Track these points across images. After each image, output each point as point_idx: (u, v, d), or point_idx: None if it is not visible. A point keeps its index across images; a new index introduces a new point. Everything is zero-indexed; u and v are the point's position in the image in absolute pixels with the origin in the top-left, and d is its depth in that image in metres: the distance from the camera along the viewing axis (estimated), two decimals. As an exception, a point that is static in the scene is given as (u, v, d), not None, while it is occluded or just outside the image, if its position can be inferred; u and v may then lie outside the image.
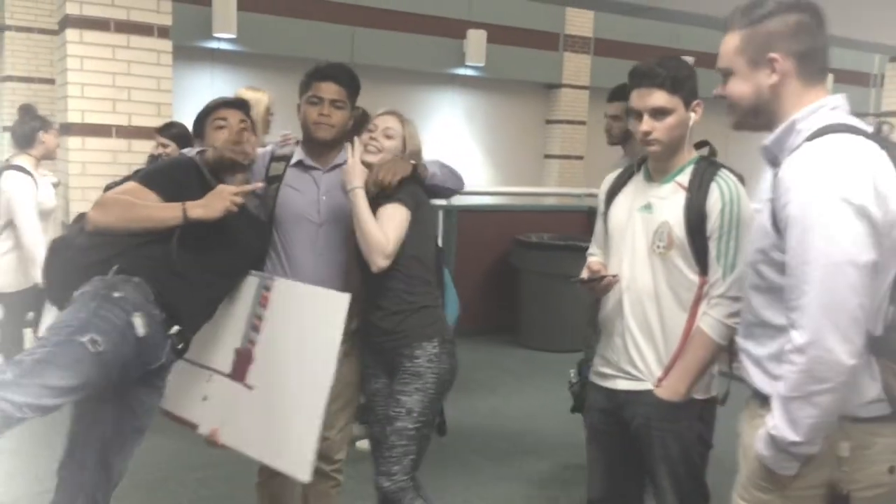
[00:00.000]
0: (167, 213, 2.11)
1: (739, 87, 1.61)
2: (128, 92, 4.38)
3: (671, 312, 2.03)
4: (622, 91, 3.40)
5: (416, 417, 2.21)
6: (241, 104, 2.44)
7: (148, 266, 2.07)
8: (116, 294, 1.98)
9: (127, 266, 2.04)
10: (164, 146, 4.06)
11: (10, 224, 3.91)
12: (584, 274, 2.18)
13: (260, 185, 2.35)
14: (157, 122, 4.27)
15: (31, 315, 4.04)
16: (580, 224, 6.19)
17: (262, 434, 2.22)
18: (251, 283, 2.32)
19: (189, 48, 6.46)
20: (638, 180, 2.15)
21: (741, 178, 2.10)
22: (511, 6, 9.60)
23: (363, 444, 2.89)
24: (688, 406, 2.02)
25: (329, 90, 2.35)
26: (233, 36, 7.74)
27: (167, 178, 2.24)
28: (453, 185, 2.49)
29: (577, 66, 10.29)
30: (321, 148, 2.41)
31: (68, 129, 4.25)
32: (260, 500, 2.61)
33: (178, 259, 2.08)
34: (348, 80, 2.40)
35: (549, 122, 10.46)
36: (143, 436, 2.16)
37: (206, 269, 2.17)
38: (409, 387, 2.22)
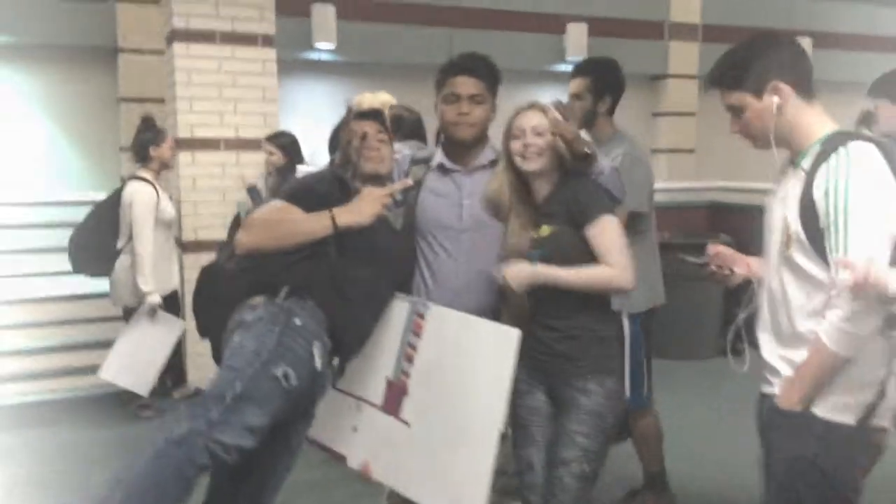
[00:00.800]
0: (315, 223, 1.97)
1: None
2: (234, 104, 4.37)
3: (801, 315, 1.73)
4: (585, 66, 3.03)
5: (593, 458, 1.99)
6: (376, 115, 2.26)
7: (313, 285, 1.93)
8: (297, 321, 1.86)
9: (294, 286, 1.91)
10: (271, 153, 4.03)
11: (134, 238, 3.96)
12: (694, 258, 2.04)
13: (408, 181, 2.16)
14: (264, 133, 4.23)
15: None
16: (700, 220, 5.79)
17: (423, 475, 2.01)
18: (401, 308, 2.11)
19: (289, 61, 6.50)
20: (786, 170, 1.88)
21: None
22: (611, -4, 9.24)
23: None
24: (800, 419, 1.71)
25: (466, 85, 2.16)
26: (332, 46, 7.75)
27: (309, 191, 2.10)
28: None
29: (684, 55, 9.78)
30: (462, 148, 2.21)
31: (178, 144, 4.27)
32: None
33: (339, 272, 1.94)
34: (486, 71, 2.19)
35: (655, 114, 9.96)
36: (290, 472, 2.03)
37: (360, 287, 2.01)
38: (586, 426, 1.98)
